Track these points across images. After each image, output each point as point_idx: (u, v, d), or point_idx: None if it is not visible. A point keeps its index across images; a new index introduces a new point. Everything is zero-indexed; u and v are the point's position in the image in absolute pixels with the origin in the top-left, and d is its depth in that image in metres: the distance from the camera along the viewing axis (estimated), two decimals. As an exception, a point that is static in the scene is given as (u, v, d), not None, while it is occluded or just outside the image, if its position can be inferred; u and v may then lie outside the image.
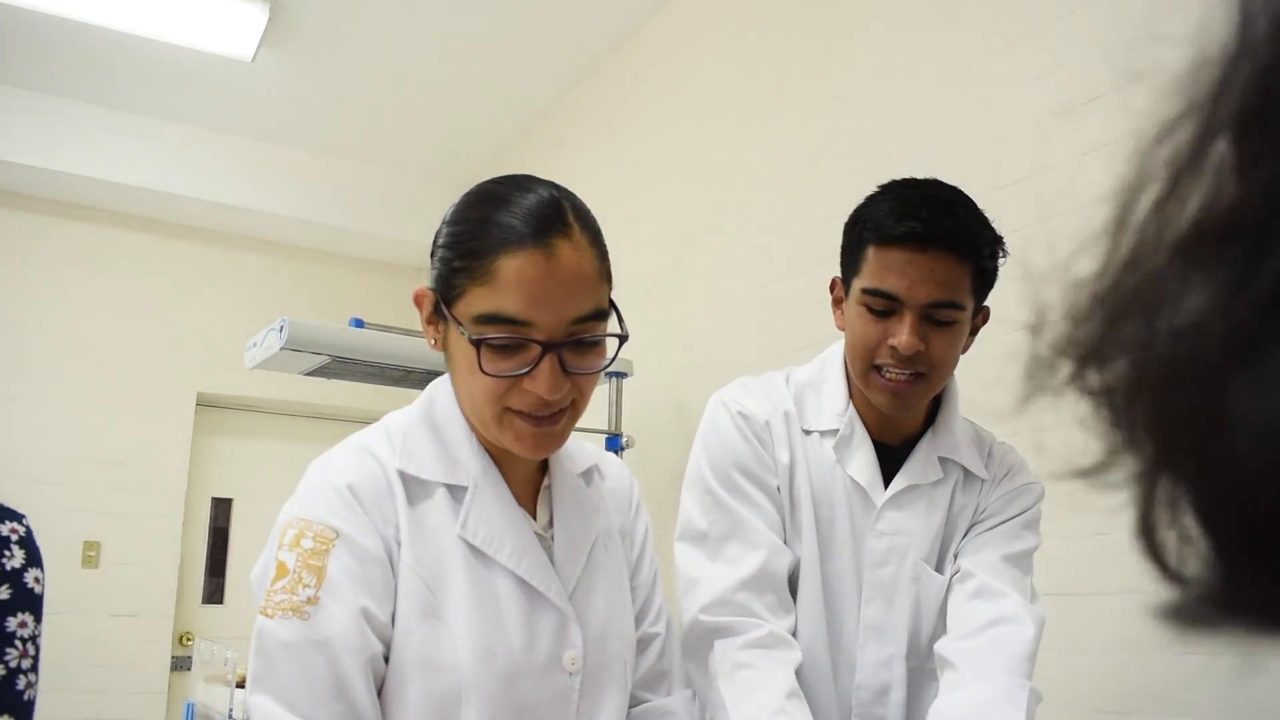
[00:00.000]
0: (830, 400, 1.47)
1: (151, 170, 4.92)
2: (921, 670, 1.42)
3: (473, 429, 1.12)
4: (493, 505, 1.10)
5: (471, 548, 1.07)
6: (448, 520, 1.08)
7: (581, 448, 1.26)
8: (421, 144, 5.34)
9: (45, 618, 1.58)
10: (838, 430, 1.44)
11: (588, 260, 1.04)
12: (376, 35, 4.32)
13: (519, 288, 0.99)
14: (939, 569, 1.44)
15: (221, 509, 5.27)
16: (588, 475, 1.24)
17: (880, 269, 1.33)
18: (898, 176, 1.47)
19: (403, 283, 5.86)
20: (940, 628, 1.41)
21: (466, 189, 1.10)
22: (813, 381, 1.51)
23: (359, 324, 3.23)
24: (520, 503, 1.14)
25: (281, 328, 2.99)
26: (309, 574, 1.00)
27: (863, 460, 1.43)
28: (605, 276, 1.08)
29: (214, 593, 5.19)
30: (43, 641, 1.57)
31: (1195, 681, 1.93)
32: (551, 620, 1.10)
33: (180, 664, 4.88)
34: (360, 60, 4.53)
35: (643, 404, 3.47)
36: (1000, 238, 1.39)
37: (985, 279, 1.36)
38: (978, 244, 1.33)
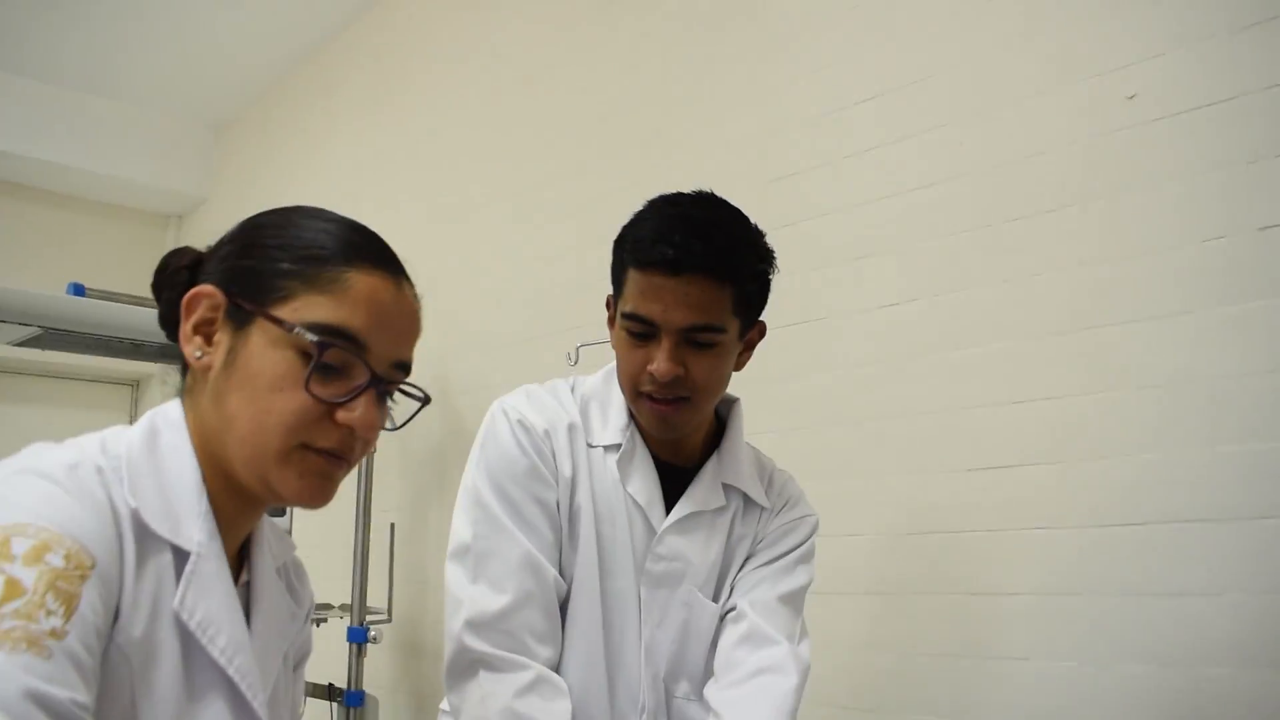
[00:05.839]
0: (614, 415, 1.43)
1: None
2: (687, 702, 1.41)
3: (205, 483, 0.91)
4: (214, 583, 0.89)
5: (184, 631, 0.86)
6: (166, 591, 0.86)
7: (284, 539, 1.09)
8: (169, 78, 4.87)
9: None
10: (620, 445, 1.41)
11: (419, 310, 0.99)
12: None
13: (368, 307, 0.90)
14: (715, 597, 1.43)
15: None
16: (280, 571, 1.06)
17: (637, 293, 1.30)
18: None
19: (137, 233, 5.37)
20: (709, 656, 1.41)
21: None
22: (598, 394, 1.46)
23: (79, 290, 2.88)
24: None
25: (-18, 295, 2.63)
26: (55, 599, 0.74)
27: (643, 479, 1.41)
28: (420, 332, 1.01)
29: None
30: None
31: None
32: None
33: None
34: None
35: (403, 380, 3.30)
36: (768, 254, 1.36)
37: (749, 299, 1.34)
38: (734, 266, 1.29)
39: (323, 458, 0.90)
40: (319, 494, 0.92)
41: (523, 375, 3.00)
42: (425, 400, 0.99)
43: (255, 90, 4.99)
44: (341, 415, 0.89)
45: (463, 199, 3.54)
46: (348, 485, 3.62)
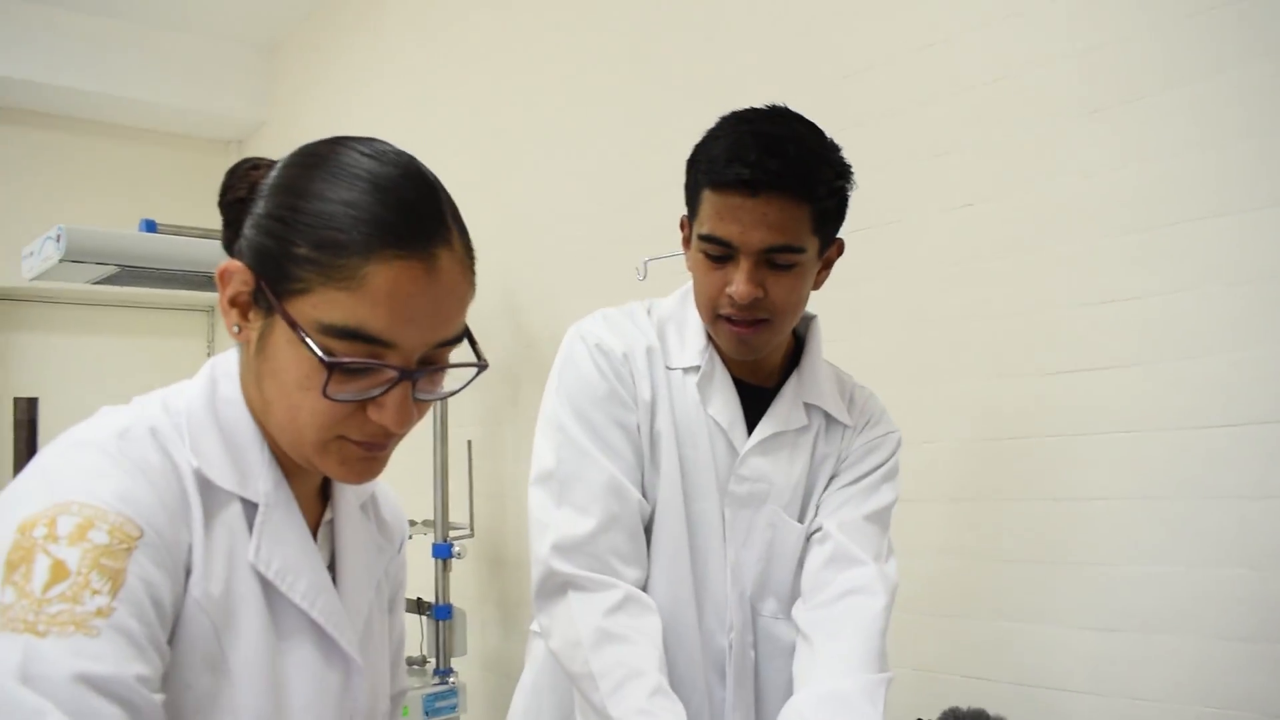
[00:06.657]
0: (691, 337, 1.42)
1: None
2: (774, 621, 1.42)
3: (265, 434, 0.91)
4: (286, 530, 0.91)
5: (263, 580, 0.88)
6: (240, 543, 0.88)
7: None
8: (216, 3, 4.83)
9: None
10: (699, 367, 1.40)
11: (465, 274, 0.88)
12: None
13: (390, 303, 0.81)
14: (800, 517, 1.43)
15: (25, 410, 4.90)
16: (365, 507, 1.07)
17: (714, 214, 1.28)
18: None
19: (200, 161, 5.39)
20: (796, 575, 1.41)
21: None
22: (674, 316, 1.46)
23: (150, 226, 2.92)
24: None
25: (59, 236, 2.67)
26: (100, 577, 0.74)
27: (724, 401, 1.40)
28: (473, 291, 0.91)
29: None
30: None
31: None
32: (340, 673, 0.95)
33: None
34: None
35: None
36: (845, 169, 1.32)
37: (827, 216, 1.31)
38: (812, 183, 1.26)
39: (361, 447, 0.88)
40: (365, 474, 0.91)
41: (591, 289, 3.03)
42: (482, 367, 0.93)
43: (303, 8, 4.93)
44: (372, 414, 0.85)
45: (522, 110, 3.49)
46: (424, 406, 3.68)
